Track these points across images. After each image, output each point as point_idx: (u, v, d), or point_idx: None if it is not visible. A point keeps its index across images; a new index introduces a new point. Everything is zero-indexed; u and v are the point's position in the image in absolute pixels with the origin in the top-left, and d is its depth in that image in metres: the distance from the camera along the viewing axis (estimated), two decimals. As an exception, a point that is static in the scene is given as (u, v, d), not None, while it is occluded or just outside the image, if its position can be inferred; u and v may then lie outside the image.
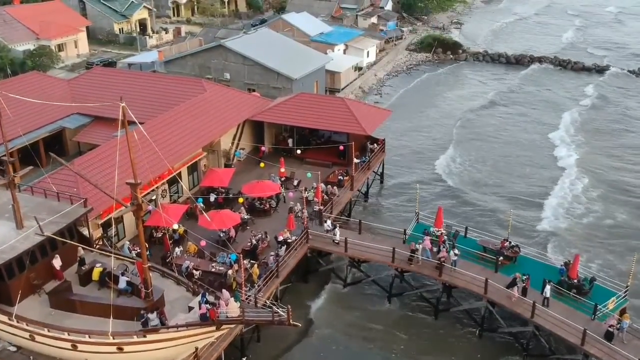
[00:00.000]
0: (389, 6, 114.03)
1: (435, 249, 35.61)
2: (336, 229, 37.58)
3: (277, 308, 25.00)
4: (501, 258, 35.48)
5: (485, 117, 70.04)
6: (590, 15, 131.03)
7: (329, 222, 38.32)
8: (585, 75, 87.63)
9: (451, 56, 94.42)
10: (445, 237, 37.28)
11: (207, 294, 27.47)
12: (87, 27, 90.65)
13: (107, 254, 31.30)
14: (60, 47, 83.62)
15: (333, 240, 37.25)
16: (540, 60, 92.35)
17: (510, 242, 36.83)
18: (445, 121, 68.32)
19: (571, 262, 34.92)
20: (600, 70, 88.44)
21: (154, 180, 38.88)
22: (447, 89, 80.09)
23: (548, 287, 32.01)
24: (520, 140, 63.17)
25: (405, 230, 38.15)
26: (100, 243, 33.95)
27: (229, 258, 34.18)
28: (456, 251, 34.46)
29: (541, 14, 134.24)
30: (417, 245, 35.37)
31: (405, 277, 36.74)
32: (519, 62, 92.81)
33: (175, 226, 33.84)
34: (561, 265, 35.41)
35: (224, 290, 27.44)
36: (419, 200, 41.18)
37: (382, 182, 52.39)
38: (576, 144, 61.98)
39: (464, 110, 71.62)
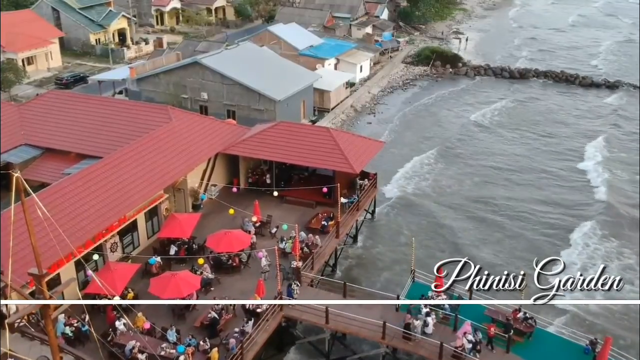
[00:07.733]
0: (384, 15, 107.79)
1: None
2: (429, 318, 29.38)
3: None
4: (513, 333, 29.40)
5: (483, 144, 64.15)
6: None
7: (430, 323, 29.39)
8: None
9: (450, 70, 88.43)
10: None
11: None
12: (62, 38, 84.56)
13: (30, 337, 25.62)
14: (29, 60, 77.66)
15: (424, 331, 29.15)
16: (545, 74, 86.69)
17: (524, 313, 30.66)
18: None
19: (599, 341, 28.83)
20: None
21: (100, 234, 32.85)
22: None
23: None
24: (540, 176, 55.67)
25: (398, 295, 31.92)
26: (25, 320, 27.72)
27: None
28: (470, 337, 28.06)
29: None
30: (416, 322, 29.09)
31: (398, 355, 30.62)
32: (523, 76, 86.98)
33: (117, 299, 27.76)
34: (587, 345, 29.30)
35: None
36: (415, 255, 34.90)
37: (373, 218, 46.43)
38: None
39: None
